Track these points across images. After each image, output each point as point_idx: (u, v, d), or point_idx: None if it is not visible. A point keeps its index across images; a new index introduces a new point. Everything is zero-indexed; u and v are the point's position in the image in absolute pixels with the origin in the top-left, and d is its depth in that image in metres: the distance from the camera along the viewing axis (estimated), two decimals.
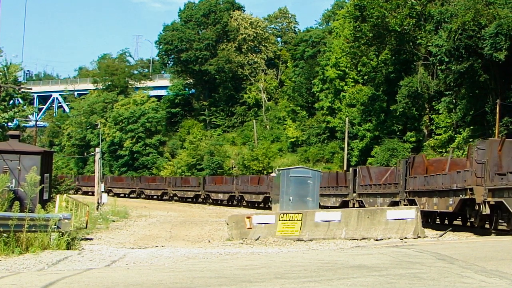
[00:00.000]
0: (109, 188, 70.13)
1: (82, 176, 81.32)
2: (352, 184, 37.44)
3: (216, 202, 57.98)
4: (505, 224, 20.26)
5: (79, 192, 69.45)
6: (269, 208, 46.88)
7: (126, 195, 66.36)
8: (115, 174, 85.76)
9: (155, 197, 68.50)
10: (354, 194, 37.00)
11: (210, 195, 59.56)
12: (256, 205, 51.63)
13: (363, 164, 55.11)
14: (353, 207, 35.36)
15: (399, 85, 54.17)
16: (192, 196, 62.89)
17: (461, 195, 21.87)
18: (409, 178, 28.40)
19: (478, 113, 45.78)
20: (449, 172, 24.06)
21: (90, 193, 64.62)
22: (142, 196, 70.02)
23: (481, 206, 20.23)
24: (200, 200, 61.37)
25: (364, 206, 32.90)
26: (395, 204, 29.22)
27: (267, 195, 48.48)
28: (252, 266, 11.68)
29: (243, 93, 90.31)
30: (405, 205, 27.97)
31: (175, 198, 65.08)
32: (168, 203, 61.28)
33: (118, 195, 66.17)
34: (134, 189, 71.82)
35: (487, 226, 21.27)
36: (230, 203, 55.80)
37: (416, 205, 25.48)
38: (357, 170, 37.46)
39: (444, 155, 44.98)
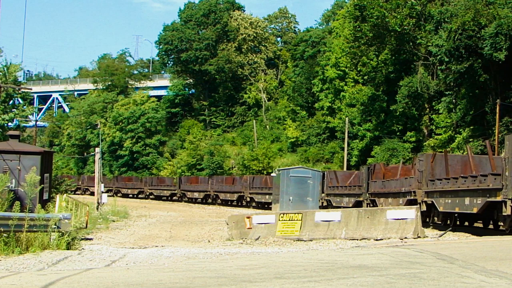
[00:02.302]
0: (86, 187, 75.89)
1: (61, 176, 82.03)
2: (321, 185, 42.27)
3: (192, 201, 63.00)
4: (436, 218, 24.24)
5: None
6: (243, 206, 53.16)
7: None
8: (115, 174, 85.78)
9: (130, 195, 71.93)
10: (323, 194, 41.62)
11: (186, 194, 64.38)
12: (230, 203, 56.31)
13: (363, 164, 55.22)
14: (322, 205, 40.75)
15: (399, 85, 54.14)
16: (168, 194, 67.70)
17: (407, 196, 27.13)
18: (371, 182, 33.86)
19: (478, 113, 45.78)
20: (400, 178, 29.74)
21: (69, 191, 67.65)
22: (119, 194, 72.75)
23: (421, 205, 24.95)
24: (175, 198, 66.42)
25: (332, 205, 38.66)
26: (359, 203, 34.74)
27: (241, 194, 53.78)
28: (252, 266, 11.68)
29: (243, 93, 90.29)
30: (367, 204, 33.50)
31: (151, 196, 69.58)
32: (167, 203, 62.18)
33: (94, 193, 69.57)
34: (111, 188, 74.63)
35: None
36: (204, 201, 60.67)
37: (376, 204, 31.34)
38: (325, 173, 42.63)
39: None
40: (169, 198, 67.52)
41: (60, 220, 16.71)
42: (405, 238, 18.36)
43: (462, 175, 22.08)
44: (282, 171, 39.99)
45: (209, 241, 21.82)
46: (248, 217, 22.00)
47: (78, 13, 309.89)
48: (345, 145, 60.81)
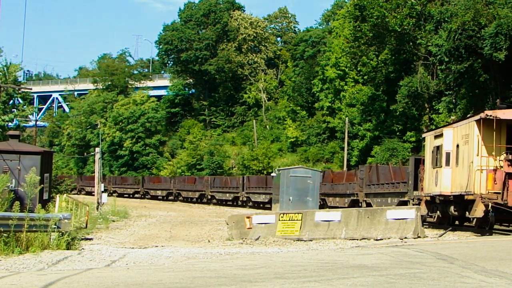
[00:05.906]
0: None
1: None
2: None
3: (155, 198, 69.33)
4: None
5: None
6: (203, 203, 59.55)
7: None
8: (115, 174, 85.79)
9: (93, 193, 72.69)
10: None
11: (149, 192, 71.15)
12: (189, 200, 63.33)
13: (363, 164, 55.29)
14: None
15: (399, 85, 54.09)
16: (131, 192, 73.72)
17: (351, 197, 36.06)
18: (321, 184, 41.60)
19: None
20: (345, 182, 38.26)
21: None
22: (83, 192, 75.39)
23: (362, 204, 33.58)
24: (138, 196, 72.13)
25: None
26: None
27: (203, 192, 60.46)
28: (252, 266, 11.68)
29: (243, 93, 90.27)
30: (319, 202, 41.17)
31: (114, 194, 72.63)
32: (169, 203, 62.19)
33: (61, 191, 71.77)
34: (75, 187, 76.13)
35: None
36: (166, 199, 67.51)
37: (326, 202, 40.33)
38: None
39: None
40: (132, 196, 72.41)
41: (60, 220, 16.72)
42: (405, 238, 18.35)
43: (386, 181, 31.21)
44: (282, 171, 39.98)
45: (209, 241, 21.82)
46: (248, 217, 22.02)
47: (78, 13, 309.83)
48: (345, 145, 60.81)
